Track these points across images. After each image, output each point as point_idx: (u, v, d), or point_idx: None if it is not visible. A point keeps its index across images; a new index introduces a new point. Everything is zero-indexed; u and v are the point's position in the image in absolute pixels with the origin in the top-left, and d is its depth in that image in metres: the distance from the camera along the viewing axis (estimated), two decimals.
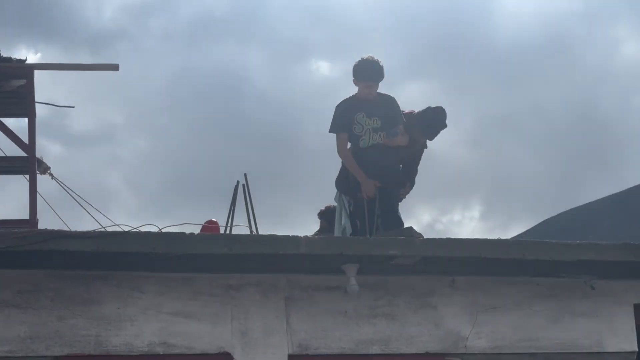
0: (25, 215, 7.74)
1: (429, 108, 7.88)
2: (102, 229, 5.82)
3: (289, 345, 6.38)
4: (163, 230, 5.94)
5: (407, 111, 7.91)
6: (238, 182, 6.90)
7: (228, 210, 6.80)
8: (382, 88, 7.52)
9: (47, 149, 26.35)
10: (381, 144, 7.49)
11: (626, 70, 31.15)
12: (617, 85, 30.97)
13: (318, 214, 9.31)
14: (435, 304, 6.74)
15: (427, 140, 7.98)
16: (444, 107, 7.90)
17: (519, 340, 6.82)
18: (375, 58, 7.44)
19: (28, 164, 6.94)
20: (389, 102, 7.57)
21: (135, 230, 5.88)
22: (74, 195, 7.17)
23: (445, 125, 7.86)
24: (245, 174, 6.91)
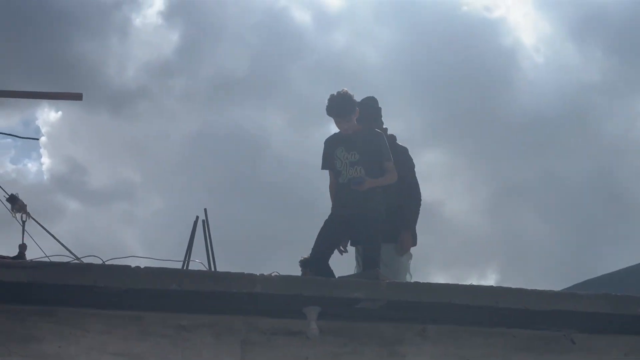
0: None
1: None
2: (41, 259, 5.47)
3: None
4: (107, 263, 5.59)
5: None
6: (197, 217, 6.57)
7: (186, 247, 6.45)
8: None
9: (64, 204, 26.28)
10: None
11: None
12: (634, 158, 30.57)
13: (301, 262, 8.89)
14: (404, 353, 6.32)
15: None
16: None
17: None
18: (343, 92, 7.17)
19: None
20: (372, 136, 7.24)
21: (75, 261, 5.53)
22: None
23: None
24: (205, 209, 6.59)
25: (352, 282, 5.99)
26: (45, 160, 30.70)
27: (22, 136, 7.06)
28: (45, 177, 29.60)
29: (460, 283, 6.35)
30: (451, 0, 31.67)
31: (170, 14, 29.49)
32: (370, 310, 6.04)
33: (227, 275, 5.72)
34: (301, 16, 31.38)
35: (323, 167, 7.37)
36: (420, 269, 7.96)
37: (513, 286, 6.21)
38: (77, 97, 6.58)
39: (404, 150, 7.95)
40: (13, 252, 6.91)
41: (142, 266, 5.60)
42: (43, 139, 29.99)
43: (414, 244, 7.77)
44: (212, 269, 6.59)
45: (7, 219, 7.76)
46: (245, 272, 5.76)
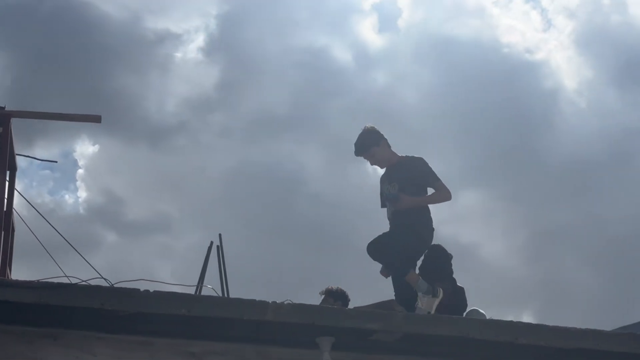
0: None
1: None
2: (47, 280, 5.37)
3: None
4: (115, 285, 5.49)
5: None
6: (212, 242, 6.46)
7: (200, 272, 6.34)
8: None
9: (101, 236, 26.39)
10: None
11: None
12: None
13: (326, 291, 8.58)
14: None
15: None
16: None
17: None
18: (362, 129, 7.12)
19: None
20: (410, 163, 7.13)
21: (84, 283, 5.44)
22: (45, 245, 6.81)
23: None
24: (219, 234, 6.48)
25: (366, 312, 5.84)
26: (82, 193, 30.93)
27: (40, 158, 7.04)
28: (81, 209, 29.78)
29: None
30: (492, 42, 31.51)
31: (210, 51, 29.68)
32: (386, 342, 5.87)
33: (238, 302, 5.59)
34: (342, 55, 31.41)
35: (382, 206, 7.30)
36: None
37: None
38: (96, 119, 6.53)
39: None
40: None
41: (151, 290, 5.49)
42: (80, 171, 30.27)
43: None
44: (225, 295, 6.46)
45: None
46: (257, 299, 5.64)
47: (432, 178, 7.10)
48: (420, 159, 7.20)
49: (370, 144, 7.15)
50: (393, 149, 7.22)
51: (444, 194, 7.09)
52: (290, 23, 31.12)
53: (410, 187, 7.06)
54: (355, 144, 7.19)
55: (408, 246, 6.86)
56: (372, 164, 7.26)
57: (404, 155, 7.26)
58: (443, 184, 7.09)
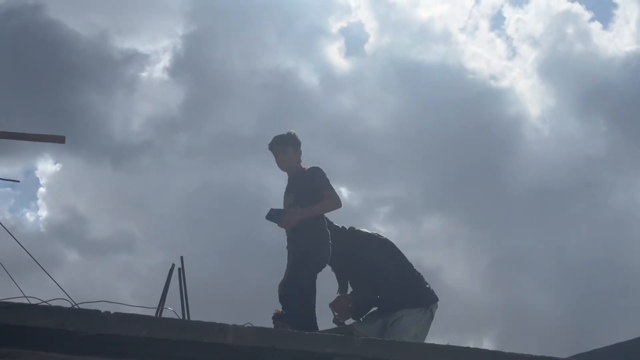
0: None
1: None
2: (6, 300, 5.37)
3: None
4: (77, 306, 5.50)
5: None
6: (173, 264, 6.48)
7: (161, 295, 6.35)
8: None
9: (62, 254, 26.27)
10: None
11: None
12: (638, 231, 30.45)
13: (274, 316, 8.65)
14: None
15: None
16: None
17: None
18: (292, 132, 7.23)
19: None
20: (309, 174, 7.18)
21: (44, 303, 5.44)
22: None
23: None
24: (181, 257, 6.50)
25: (325, 336, 5.88)
26: (43, 212, 30.82)
27: (2, 177, 7.00)
28: (42, 227, 29.65)
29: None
30: (457, 68, 31.93)
31: (176, 71, 29.74)
32: None
33: (199, 324, 5.62)
34: (308, 78, 31.61)
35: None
36: None
37: None
38: (60, 140, 6.53)
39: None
40: None
41: (112, 312, 5.51)
42: (42, 189, 30.09)
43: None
44: (186, 318, 6.48)
45: None
46: (218, 322, 5.67)
47: (323, 186, 7.11)
48: (317, 169, 7.24)
49: (289, 142, 7.24)
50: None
51: (331, 202, 7.07)
52: (258, 45, 31.30)
53: (307, 197, 7.09)
54: (276, 136, 7.25)
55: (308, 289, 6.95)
56: (277, 161, 7.29)
57: (308, 167, 7.32)
58: (333, 192, 7.09)
